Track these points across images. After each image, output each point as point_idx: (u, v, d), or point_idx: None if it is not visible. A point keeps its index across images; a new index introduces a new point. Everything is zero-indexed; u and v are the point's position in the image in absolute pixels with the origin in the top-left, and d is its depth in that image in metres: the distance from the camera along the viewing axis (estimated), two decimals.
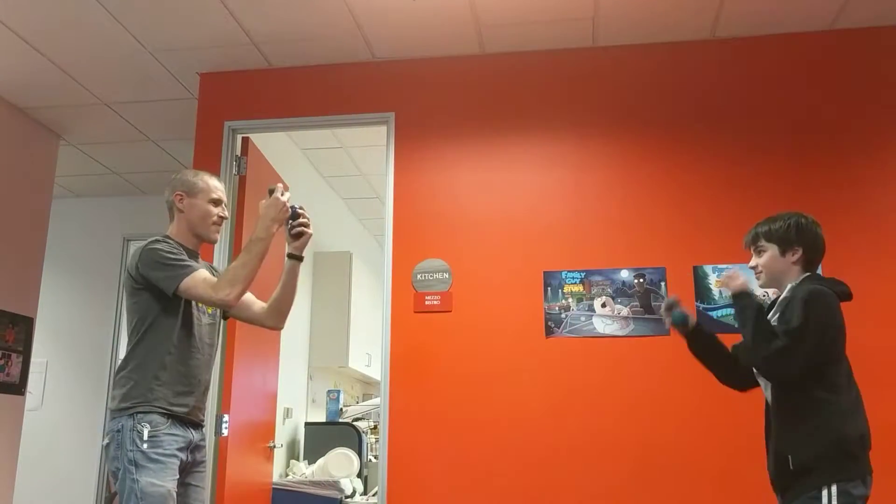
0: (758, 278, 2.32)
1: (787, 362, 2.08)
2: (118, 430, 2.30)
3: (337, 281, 5.66)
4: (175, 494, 2.28)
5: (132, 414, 2.30)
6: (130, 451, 2.26)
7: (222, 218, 2.59)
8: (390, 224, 3.76)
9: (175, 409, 2.35)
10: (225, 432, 3.60)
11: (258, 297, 2.66)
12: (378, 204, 5.77)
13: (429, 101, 3.89)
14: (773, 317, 2.23)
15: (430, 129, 3.85)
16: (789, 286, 2.24)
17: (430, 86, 3.91)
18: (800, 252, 2.25)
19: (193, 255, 2.55)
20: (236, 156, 3.99)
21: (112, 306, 5.76)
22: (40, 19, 3.63)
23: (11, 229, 4.50)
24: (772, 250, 2.28)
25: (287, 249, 2.59)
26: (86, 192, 5.93)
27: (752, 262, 2.33)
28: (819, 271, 2.35)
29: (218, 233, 2.60)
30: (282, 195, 2.45)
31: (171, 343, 2.38)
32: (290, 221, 2.51)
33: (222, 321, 2.68)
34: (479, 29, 3.69)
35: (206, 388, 2.52)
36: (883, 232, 3.42)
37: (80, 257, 5.87)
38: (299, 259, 2.59)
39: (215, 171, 3.88)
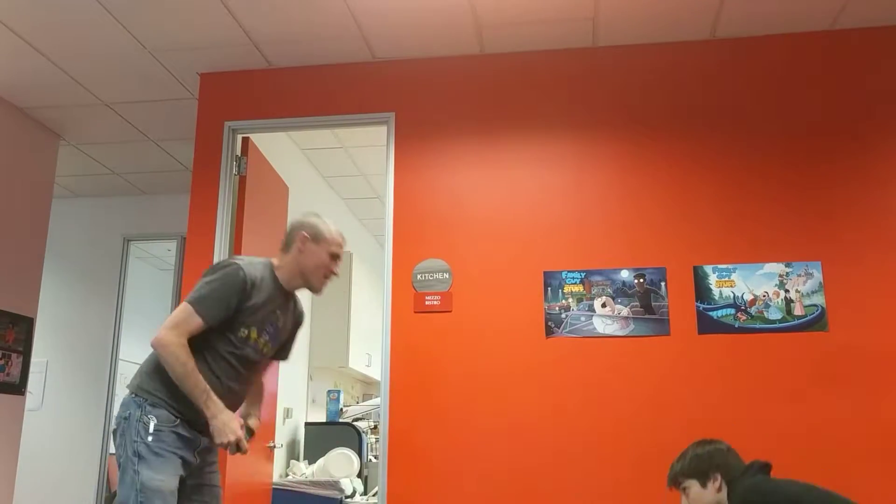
0: None
1: None
2: (126, 418, 2.31)
3: (337, 281, 5.61)
4: (176, 490, 2.27)
5: (141, 404, 2.31)
6: (135, 441, 2.26)
7: (334, 273, 2.55)
8: (390, 224, 3.76)
9: (186, 414, 2.34)
10: None
11: None
12: (378, 204, 5.77)
13: (429, 101, 3.89)
14: None
15: (430, 129, 3.85)
16: None
17: (431, 86, 3.91)
18: (719, 478, 2.28)
19: (282, 295, 2.51)
20: (236, 156, 3.99)
21: (112, 306, 5.76)
22: (40, 19, 3.63)
23: (11, 229, 4.50)
24: (694, 486, 2.31)
25: (250, 423, 2.56)
26: (86, 193, 5.93)
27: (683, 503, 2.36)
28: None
29: (325, 286, 2.56)
30: (235, 449, 2.35)
31: (204, 357, 2.35)
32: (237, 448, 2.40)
33: (269, 360, 2.63)
34: (479, 29, 3.69)
35: None
36: (884, 231, 3.41)
37: (80, 257, 5.86)
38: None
39: (215, 171, 3.91)
